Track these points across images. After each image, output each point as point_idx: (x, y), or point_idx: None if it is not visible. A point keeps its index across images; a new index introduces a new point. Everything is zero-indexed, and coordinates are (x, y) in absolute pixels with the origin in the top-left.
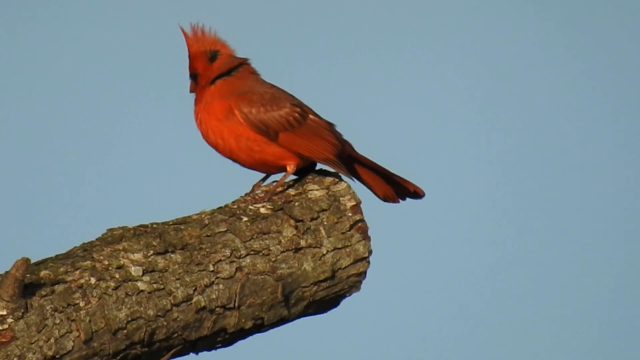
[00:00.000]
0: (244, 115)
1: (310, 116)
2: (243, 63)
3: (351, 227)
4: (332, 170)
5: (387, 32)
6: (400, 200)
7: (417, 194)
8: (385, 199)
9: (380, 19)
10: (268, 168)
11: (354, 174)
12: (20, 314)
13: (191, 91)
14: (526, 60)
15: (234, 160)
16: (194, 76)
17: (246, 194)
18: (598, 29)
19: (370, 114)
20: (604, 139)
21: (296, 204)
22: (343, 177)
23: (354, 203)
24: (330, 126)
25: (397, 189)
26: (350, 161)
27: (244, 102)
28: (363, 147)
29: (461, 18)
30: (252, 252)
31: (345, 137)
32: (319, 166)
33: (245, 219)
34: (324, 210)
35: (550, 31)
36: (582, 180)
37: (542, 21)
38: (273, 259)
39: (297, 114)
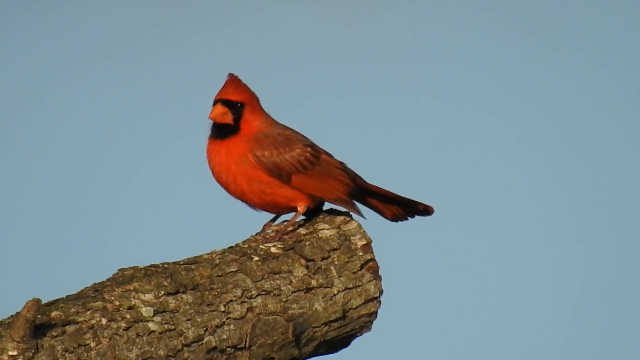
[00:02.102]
0: (257, 158)
1: (323, 156)
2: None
3: (362, 266)
4: (343, 209)
5: (391, 75)
6: (409, 218)
7: (427, 212)
8: (394, 219)
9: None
10: (279, 209)
11: (365, 203)
12: (31, 354)
13: (222, 122)
14: (530, 72)
15: (244, 202)
16: (236, 106)
17: (257, 234)
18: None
19: (375, 134)
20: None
21: (307, 243)
22: (354, 216)
23: (365, 242)
24: (342, 165)
25: (406, 209)
26: (362, 193)
27: (257, 145)
28: (370, 168)
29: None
30: (263, 292)
31: (356, 169)
32: (327, 205)
33: (256, 258)
34: (334, 249)
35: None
36: (608, 192)
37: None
38: (284, 299)
39: (309, 154)
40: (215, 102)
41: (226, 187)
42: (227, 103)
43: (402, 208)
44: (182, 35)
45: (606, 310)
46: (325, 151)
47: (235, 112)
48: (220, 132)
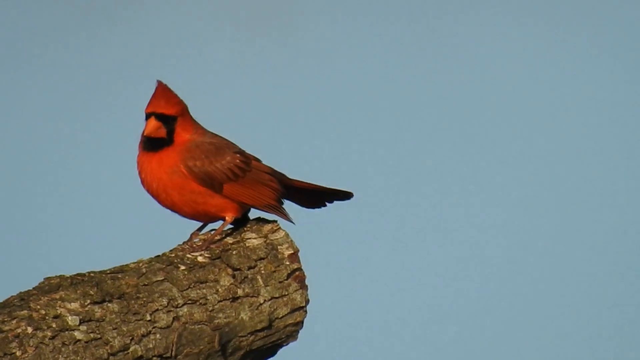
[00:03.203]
0: (189, 168)
1: (253, 162)
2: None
3: (289, 276)
4: (270, 215)
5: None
6: (327, 204)
7: (346, 196)
8: (313, 207)
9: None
10: (210, 218)
11: (288, 198)
12: None
13: (157, 136)
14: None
15: (174, 211)
16: (169, 120)
17: (184, 243)
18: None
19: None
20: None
21: (234, 252)
22: (281, 224)
23: (292, 252)
24: (270, 169)
25: (327, 198)
26: (287, 190)
27: (188, 155)
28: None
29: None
30: (189, 302)
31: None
32: (255, 214)
33: (182, 267)
34: (261, 258)
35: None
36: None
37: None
38: (210, 309)
39: (239, 161)
40: (148, 116)
41: (156, 197)
42: (161, 117)
43: (323, 198)
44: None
45: (525, 289)
46: (254, 157)
47: (168, 125)
48: (153, 145)
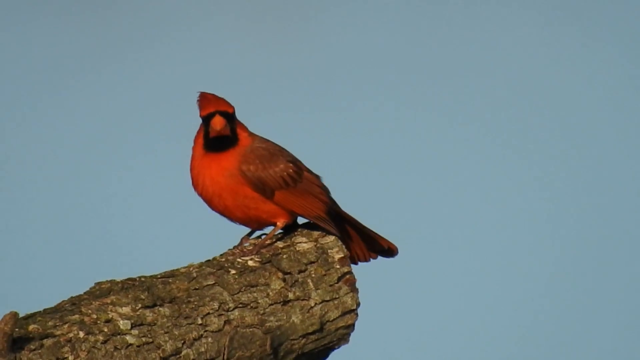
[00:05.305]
0: (242, 172)
1: (305, 173)
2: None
3: (339, 279)
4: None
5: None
6: (370, 259)
7: (390, 251)
8: (353, 261)
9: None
10: (260, 224)
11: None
12: None
13: (225, 133)
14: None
15: (225, 216)
16: (231, 117)
17: (234, 247)
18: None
19: (347, 164)
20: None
21: (284, 256)
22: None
23: (342, 255)
24: (320, 182)
25: (370, 245)
26: (336, 217)
27: (243, 159)
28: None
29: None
30: (240, 305)
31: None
32: (301, 220)
33: (233, 271)
34: (312, 262)
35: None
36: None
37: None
38: (261, 312)
39: (292, 171)
40: (210, 116)
41: (209, 201)
42: (224, 114)
43: (366, 243)
44: (111, 62)
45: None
46: (306, 167)
47: (230, 123)
48: (216, 145)
